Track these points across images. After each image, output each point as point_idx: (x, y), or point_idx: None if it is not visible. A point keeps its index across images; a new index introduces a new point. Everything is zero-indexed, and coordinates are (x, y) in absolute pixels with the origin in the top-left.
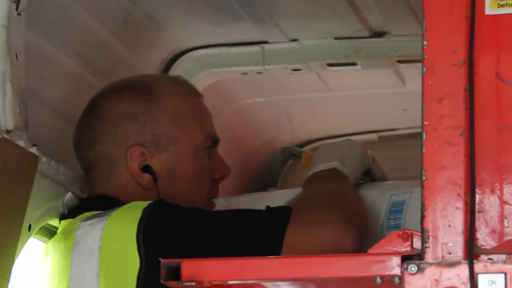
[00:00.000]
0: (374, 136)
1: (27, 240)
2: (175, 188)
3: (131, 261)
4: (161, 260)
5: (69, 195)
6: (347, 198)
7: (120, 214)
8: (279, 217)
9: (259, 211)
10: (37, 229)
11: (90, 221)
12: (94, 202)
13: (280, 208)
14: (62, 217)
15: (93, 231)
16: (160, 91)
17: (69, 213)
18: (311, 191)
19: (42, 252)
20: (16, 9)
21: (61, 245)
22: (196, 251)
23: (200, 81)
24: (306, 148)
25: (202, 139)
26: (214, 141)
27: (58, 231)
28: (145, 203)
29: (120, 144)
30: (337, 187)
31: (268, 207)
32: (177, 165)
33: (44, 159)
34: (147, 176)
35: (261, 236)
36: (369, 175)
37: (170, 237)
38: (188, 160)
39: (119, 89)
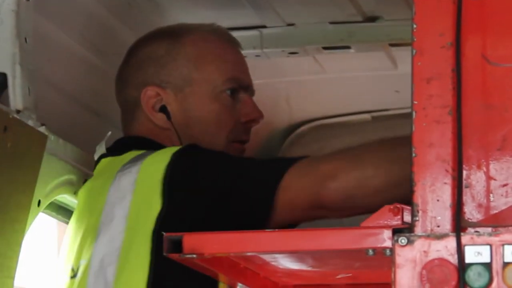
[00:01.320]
0: (367, 116)
1: (36, 215)
2: (191, 128)
3: (154, 204)
4: (164, 233)
5: (109, 134)
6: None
7: (153, 159)
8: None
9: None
10: (46, 205)
11: (128, 165)
12: (129, 141)
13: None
14: (102, 156)
15: (130, 174)
16: (187, 35)
17: (108, 152)
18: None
19: (81, 190)
20: None
21: (98, 184)
22: (212, 201)
23: None
24: (303, 128)
25: (221, 81)
26: (241, 85)
27: (97, 170)
28: (176, 148)
29: (140, 87)
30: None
31: None
32: (193, 106)
33: (52, 137)
34: (161, 116)
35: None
36: None
37: (190, 184)
38: (205, 101)
39: (150, 35)
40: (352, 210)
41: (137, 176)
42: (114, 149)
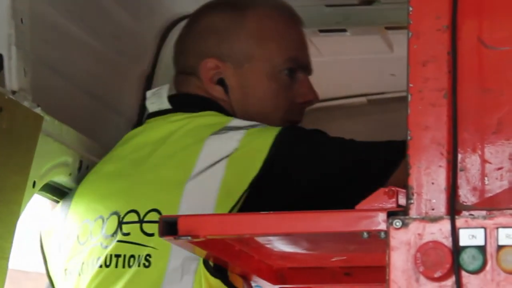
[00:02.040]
0: (363, 99)
1: (31, 196)
2: (248, 104)
3: (254, 168)
4: (161, 216)
5: (167, 86)
6: None
7: (259, 132)
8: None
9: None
10: (41, 186)
11: (227, 130)
12: (196, 100)
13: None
14: (162, 112)
15: (228, 141)
16: (252, 10)
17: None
18: None
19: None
20: None
21: (174, 139)
22: (318, 181)
23: None
24: None
25: (282, 60)
26: (300, 65)
27: (154, 127)
28: (283, 128)
29: (199, 55)
30: None
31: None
32: (251, 83)
33: (48, 119)
34: (218, 88)
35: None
36: None
37: (295, 161)
38: (263, 79)
39: (215, 5)
40: None
41: (239, 144)
42: (178, 105)
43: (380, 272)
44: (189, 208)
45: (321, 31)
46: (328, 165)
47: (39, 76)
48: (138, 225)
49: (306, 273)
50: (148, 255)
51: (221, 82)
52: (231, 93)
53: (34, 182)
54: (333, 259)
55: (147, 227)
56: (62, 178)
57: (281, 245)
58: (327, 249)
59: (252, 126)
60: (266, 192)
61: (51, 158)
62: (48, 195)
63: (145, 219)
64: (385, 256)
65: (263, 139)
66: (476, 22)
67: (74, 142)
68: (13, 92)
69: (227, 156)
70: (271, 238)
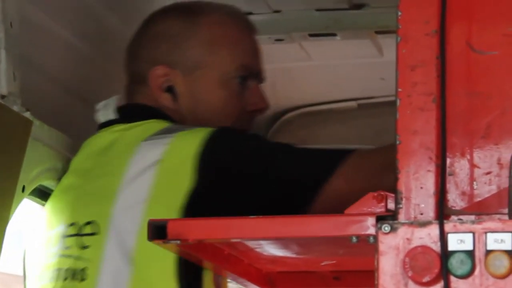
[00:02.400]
0: (353, 103)
1: (21, 201)
2: (197, 112)
3: (185, 179)
4: (150, 220)
5: (117, 97)
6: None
7: (187, 134)
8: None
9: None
10: (30, 190)
11: (157, 135)
12: (141, 110)
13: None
14: (109, 123)
15: (158, 145)
16: (204, 16)
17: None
18: None
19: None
20: None
21: (116, 148)
22: (244, 186)
23: None
24: (289, 115)
25: (233, 67)
26: (252, 73)
27: (106, 132)
28: (211, 128)
29: (150, 62)
30: None
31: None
32: (201, 90)
33: (38, 123)
34: (167, 96)
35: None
36: None
37: (228, 165)
38: (214, 86)
39: (168, 10)
40: None
41: (167, 148)
42: (123, 115)
43: (369, 276)
44: (121, 219)
45: (311, 35)
46: (256, 170)
47: (29, 80)
48: (76, 238)
49: (295, 277)
50: (84, 268)
51: (170, 90)
52: (181, 101)
53: (24, 187)
54: (323, 263)
55: (85, 240)
56: (51, 183)
57: (270, 249)
58: (316, 253)
59: (183, 129)
60: (203, 197)
61: (40, 163)
62: (37, 199)
63: (82, 232)
64: (374, 260)
65: (191, 141)
66: (464, 27)
67: (63, 147)
68: (2, 97)
69: (156, 162)
70: (260, 242)
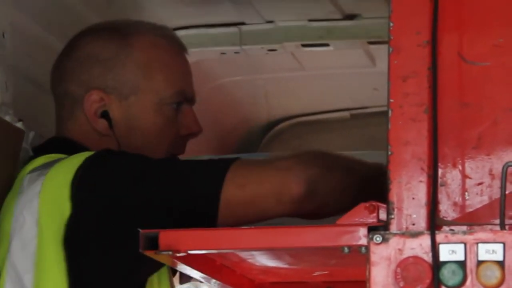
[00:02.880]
0: (346, 113)
1: None
2: (132, 138)
3: (64, 208)
4: (140, 230)
5: (32, 134)
6: (326, 157)
7: (64, 162)
8: (221, 162)
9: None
10: None
11: (39, 168)
12: (60, 144)
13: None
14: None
15: (38, 178)
16: (135, 38)
17: (34, 152)
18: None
19: None
20: None
21: (14, 187)
22: (125, 206)
23: None
24: (282, 124)
25: (169, 93)
26: (187, 98)
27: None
28: (91, 152)
29: (82, 85)
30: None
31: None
32: (137, 116)
33: (32, 133)
34: (103, 122)
35: (200, 181)
36: None
37: (102, 189)
38: (149, 112)
39: (97, 30)
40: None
41: (44, 178)
42: (42, 150)
43: (361, 286)
44: (16, 257)
45: (303, 45)
46: (138, 200)
47: (21, 90)
48: None
49: (287, 287)
50: None
51: (105, 115)
52: (115, 127)
53: None
54: (315, 274)
55: None
56: None
57: (262, 260)
58: (308, 264)
59: (65, 158)
60: (82, 226)
61: None
62: None
63: None
64: (366, 270)
65: (67, 169)
66: (456, 38)
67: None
68: None
69: (37, 194)
70: (252, 252)
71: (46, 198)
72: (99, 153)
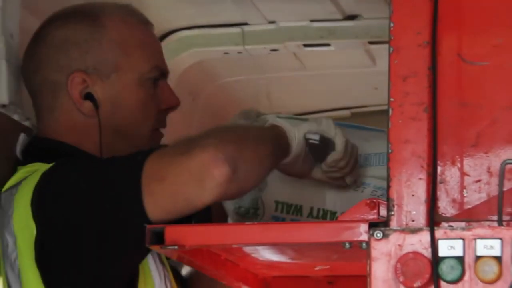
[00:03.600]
0: (346, 112)
1: None
2: (117, 117)
3: (31, 228)
4: (146, 225)
5: (22, 137)
6: (235, 131)
7: (27, 181)
8: (139, 155)
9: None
10: None
11: (13, 187)
12: (33, 150)
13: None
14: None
15: (11, 197)
16: (106, 18)
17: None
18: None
19: None
20: None
21: None
22: (77, 214)
23: (184, 60)
24: None
25: (148, 68)
26: (162, 72)
27: None
28: (46, 167)
29: (62, 70)
30: (236, 127)
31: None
32: (120, 94)
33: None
34: (88, 104)
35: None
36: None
37: (51, 208)
38: (132, 89)
39: (66, 15)
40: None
41: (14, 199)
42: (27, 154)
43: (362, 281)
44: (10, 281)
45: (305, 45)
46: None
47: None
48: None
49: (290, 282)
50: None
51: (89, 97)
52: (101, 108)
53: None
54: (317, 268)
55: None
56: None
57: (265, 254)
58: (310, 259)
59: (30, 175)
60: (46, 244)
61: None
62: None
63: None
64: (367, 266)
65: (27, 189)
66: (455, 38)
67: None
68: (3, 106)
69: (11, 217)
70: (256, 247)
71: (18, 220)
72: (49, 170)
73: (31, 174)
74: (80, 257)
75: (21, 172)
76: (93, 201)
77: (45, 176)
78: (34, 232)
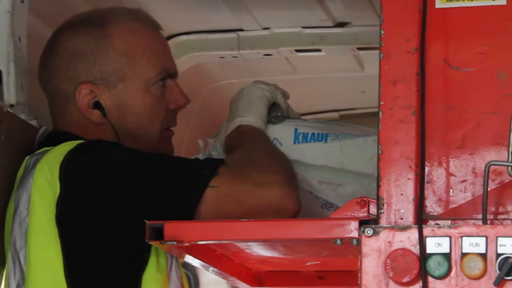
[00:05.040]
0: (335, 114)
1: None
2: (126, 122)
3: (55, 188)
4: (146, 221)
5: (42, 130)
6: (281, 159)
7: (58, 148)
8: (205, 169)
9: (188, 161)
10: None
11: (37, 156)
12: (50, 138)
13: (210, 160)
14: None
15: (36, 161)
16: (112, 27)
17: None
18: (241, 152)
19: None
20: None
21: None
22: (111, 193)
23: (182, 64)
24: None
25: (153, 74)
26: (170, 74)
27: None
28: (83, 141)
29: (71, 81)
30: (262, 147)
31: (197, 159)
32: (127, 101)
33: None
34: (96, 112)
35: (182, 186)
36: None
37: (85, 177)
38: (139, 95)
39: (75, 25)
40: None
41: (40, 161)
42: (44, 144)
43: (352, 276)
44: (15, 237)
45: (297, 50)
46: (118, 195)
47: (36, 90)
48: None
49: (282, 276)
50: None
51: (98, 106)
52: (109, 115)
53: None
54: (308, 264)
55: None
56: None
57: (259, 250)
58: (302, 254)
59: (49, 149)
60: (69, 205)
61: None
62: None
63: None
64: (357, 261)
65: (56, 155)
66: (442, 45)
67: None
68: (11, 106)
69: (31, 176)
70: (250, 243)
71: (38, 179)
72: (90, 142)
73: (52, 148)
74: (94, 227)
75: (45, 148)
76: (139, 189)
77: (82, 145)
78: (58, 192)
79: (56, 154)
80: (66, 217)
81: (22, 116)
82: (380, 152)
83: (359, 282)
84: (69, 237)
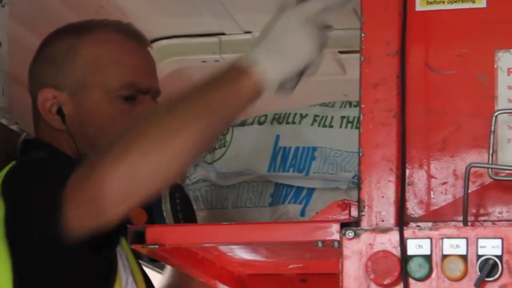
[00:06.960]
0: None
1: None
2: (86, 131)
3: (1, 206)
4: (128, 226)
5: (23, 136)
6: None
7: (8, 166)
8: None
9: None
10: None
11: None
12: (27, 146)
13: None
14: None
15: None
16: (87, 36)
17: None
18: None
19: None
20: (0, 2)
21: None
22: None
23: (164, 68)
24: None
25: (116, 86)
26: (140, 90)
27: None
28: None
29: (39, 85)
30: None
31: None
32: (87, 110)
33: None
34: (57, 118)
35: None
36: None
37: (11, 196)
38: (99, 106)
39: (57, 33)
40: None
41: None
42: (20, 151)
43: (334, 278)
44: None
45: None
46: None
47: (17, 96)
48: None
49: (264, 279)
50: None
51: (60, 112)
52: (68, 122)
53: None
54: (290, 266)
55: None
56: None
57: (241, 253)
58: (284, 257)
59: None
60: (12, 222)
61: None
62: None
63: None
64: (339, 264)
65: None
66: (423, 48)
67: None
68: None
69: None
70: (232, 246)
71: None
72: (18, 163)
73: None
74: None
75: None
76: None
77: (15, 165)
78: (3, 209)
79: (4, 172)
80: (12, 235)
81: (3, 121)
82: (361, 154)
83: (340, 284)
84: (19, 257)
